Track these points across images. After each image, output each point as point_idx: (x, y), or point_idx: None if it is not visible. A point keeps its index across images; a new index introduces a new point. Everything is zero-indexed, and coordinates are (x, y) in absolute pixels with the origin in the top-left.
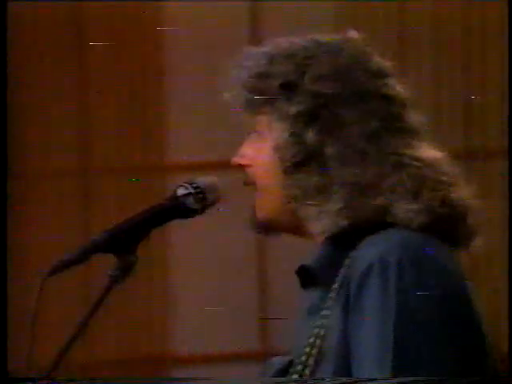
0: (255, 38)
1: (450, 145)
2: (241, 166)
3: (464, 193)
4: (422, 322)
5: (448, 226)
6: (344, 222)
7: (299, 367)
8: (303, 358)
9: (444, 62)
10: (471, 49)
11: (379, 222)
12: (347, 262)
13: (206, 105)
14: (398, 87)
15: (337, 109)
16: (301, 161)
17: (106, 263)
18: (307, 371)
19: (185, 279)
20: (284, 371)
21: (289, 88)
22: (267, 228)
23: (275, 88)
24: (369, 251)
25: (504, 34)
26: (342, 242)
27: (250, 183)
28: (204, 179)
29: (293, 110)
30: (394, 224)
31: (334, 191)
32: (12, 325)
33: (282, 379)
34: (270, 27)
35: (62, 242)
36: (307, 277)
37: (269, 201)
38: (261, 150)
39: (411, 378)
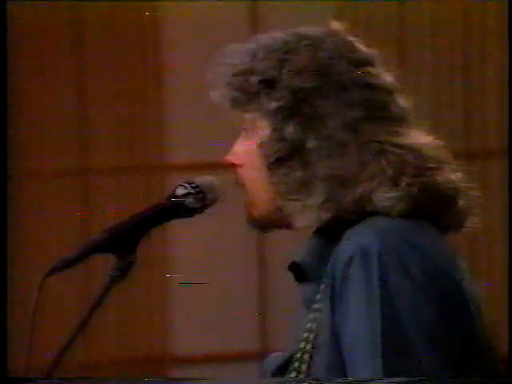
0: None
1: (449, 145)
2: (233, 166)
3: (453, 176)
4: (409, 311)
5: (434, 210)
6: (327, 216)
7: (296, 364)
8: (298, 355)
9: (444, 63)
10: (471, 49)
11: (361, 212)
12: (334, 253)
13: (206, 105)
14: (382, 75)
15: (316, 102)
16: (284, 156)
17: (105, 263)
18: (304, 367)
19: (184, 279)
20: (283, 367)
21: (269, 84)
22: (261, 225)
23: (256, 85)
24: (350, 242)
25: (504, 34)
26: (329, 235)
27: (240, 183)
28: (203, 179)
29: (273, 105)
30: (376, 213)
31: (316, 185)
32: (12, 325)
33: (282, 379)
34: (270, 28)
35: (61, 241)
36: (300, 271)
37: (258, 199)
38: (248, 149)
39: (407, 378)
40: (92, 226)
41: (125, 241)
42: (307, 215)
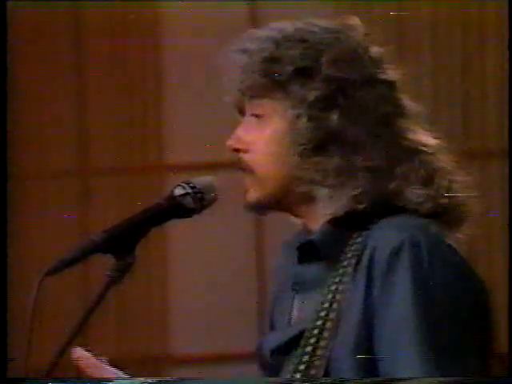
0: None
1: (449, 145)
2: (236, 151)
3: (459, 180)
4: (449, 304)
5: (446, 212)
6: (360, 206)
7: (312, 340)
8: (315, 332)
9: (443, 62)
10: (471, 48)
11: (389, 207)
12: (359, 239)
13: (205, 105)
14: (395, 74)
15: (352, 93)
16: (321, 144)
17: (104, 263)
18: (323, 343)
19: (184, 279)
20: (285, 347)
21: (304, 73)
22: (262, 208)
23: (288, 73)
24: (393, 233)
25: (504, 34)
26: (349, 222)
27: (247, 168)
28: (201, 179)
29: (311, 95)
30: (403, 209)
31: (352, 174)
32: (12, 325)
33: (282, 378)
34: None
35: (61, 242)
36: (309, 252)
37: (269, 184)
38: (262, 134)
39: (406, 378)
40: (91, 227)
41: (124, 241)
42: (337, 203)
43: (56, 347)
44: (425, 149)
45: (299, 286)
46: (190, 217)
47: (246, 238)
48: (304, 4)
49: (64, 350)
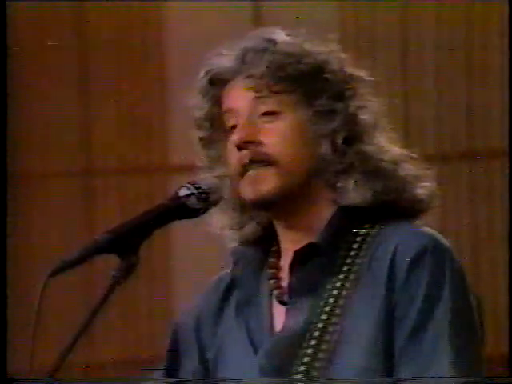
0: None
1: (452, 145)
2: (248, 143)
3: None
4: (470, 300)
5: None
6: (388, 197)
7: (313, 342)
8: (315, 334)
9: (446, 63)
10: (473, 49)
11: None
12: (368, 239)
13: None
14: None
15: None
16: (358, 135)
17: (108, 263)
18: (324, 346)
19: (187, 279)
20: (281, 349)
21: (324, 67)
22: (274, 201)
23: (312, 66)
24: (411, 237)
25: (505, 34)
26: (354, 219)
27: (264, 160)
28: (206, 180)
29: (349, 93)
30: (407, 204)
31: (382, 166)
32: (12, 325)
33: (282, 378)
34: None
35: (64, 242)
36: (310, 255)
37: (295, 172)
38: (282, 127)
39: (408, 377)
40: (94, 227)
41: (128, 242)
42: (361, 192)
43: (59, 347)
44: (403, 157)
45: (294, 292)
46: (195, 217)
47: None
48: (307, 3)
49: (69, 351)
